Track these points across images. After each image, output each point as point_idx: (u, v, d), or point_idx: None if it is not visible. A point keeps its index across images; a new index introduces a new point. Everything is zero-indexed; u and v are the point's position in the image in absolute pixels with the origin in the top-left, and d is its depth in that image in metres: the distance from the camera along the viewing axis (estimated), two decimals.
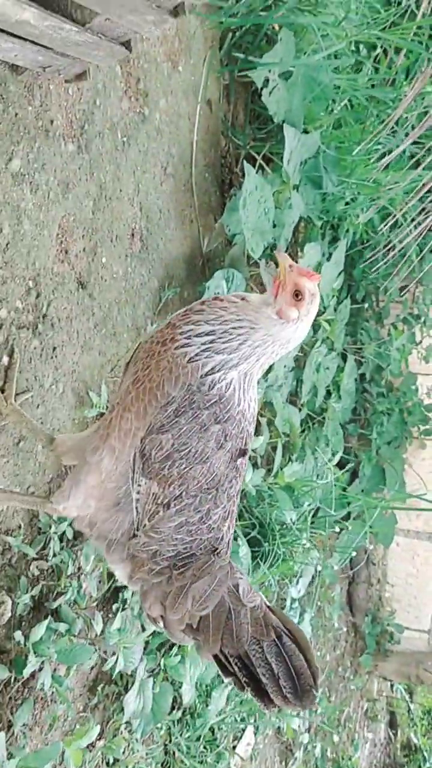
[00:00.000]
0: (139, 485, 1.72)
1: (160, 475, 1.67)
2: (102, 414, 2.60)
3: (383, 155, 3.82)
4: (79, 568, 2.56)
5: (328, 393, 4.53)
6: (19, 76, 2.18)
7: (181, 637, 1.74)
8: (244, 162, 3.28)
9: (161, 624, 1.77)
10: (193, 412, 1.64)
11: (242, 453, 1.70)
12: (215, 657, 1.69)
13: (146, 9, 1.92)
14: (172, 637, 1.77)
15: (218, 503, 1.69)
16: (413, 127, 3.65)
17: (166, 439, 1.65)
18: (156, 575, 1.72)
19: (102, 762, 2.74)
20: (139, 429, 1.70)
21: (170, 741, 3.15)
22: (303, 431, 4.25)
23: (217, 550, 1.71)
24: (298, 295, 1.64)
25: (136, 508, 1.74)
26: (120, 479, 1.75)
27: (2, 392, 2.23)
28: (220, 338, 1.65)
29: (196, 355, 1.65)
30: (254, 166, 3.44)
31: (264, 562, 3.42)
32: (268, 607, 1.70)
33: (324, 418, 4.49)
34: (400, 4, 3.62)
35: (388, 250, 4.35)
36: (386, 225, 4.03)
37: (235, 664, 1.66)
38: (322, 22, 3.29)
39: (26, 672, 2.24)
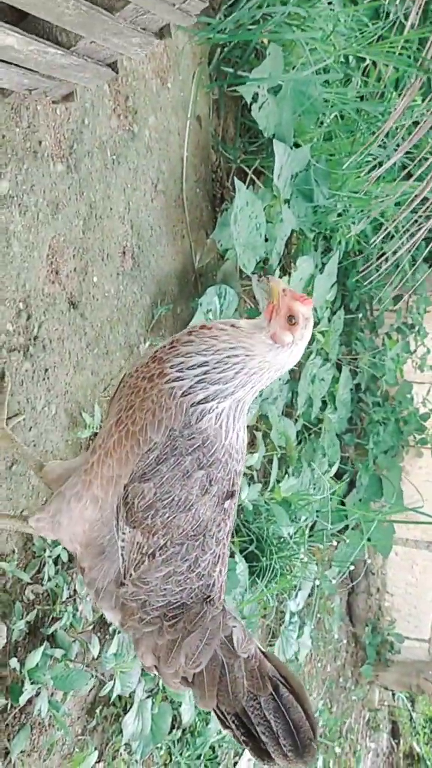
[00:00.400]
0: (124, 533, 1.66)
1: (144, 525, 1.61)
2: (96, 434, 2.58)
3: (374, 167, 3.81)
4: (74, 591, 2.53)
5: (324, 404, 4.51)
6: (5, 98, 2.17)
7: (176, 687, 1.68)
8: (235, 178, 3.27)
9: (155, 673, 1.72)
10: (175, 459, 1.58)
11: (230, 495, 1.64)
12: (213, 710, 1.64)
13: (131, 32, 1.91)
14: (168, 686, 1.72)
15: (206, 549, 1.62)
16: (403, 139, 3.65)
17: (148, 488, 1.59)
18: (147, 625, 1.67)
19: None
20: (122, 477, 1.64)
21: (170, 761, 3.12)
22: (299, 443, 4.23)
23: (210, 598, 1.65)
24: (292, 319, 1.62)
25: (122, 555, 1.68)
26: (103, 528, 1.70)
27: None
28: (214, 368, 1.59)
29: (190, 387, 1.59)
30: (245, 181, 3.44)
31: (262, 578, 3.40)
32: (263, 653, 1.65)
33: (320, 429, 4.47)
34: (388, 16, 3.62)
35: (382, 260, 4.35)
36: (379, 237, 4.02)
37: (233, 721, 1.61)
38: (311, 37, 3.28)
39: (22, 699, 2.22)
